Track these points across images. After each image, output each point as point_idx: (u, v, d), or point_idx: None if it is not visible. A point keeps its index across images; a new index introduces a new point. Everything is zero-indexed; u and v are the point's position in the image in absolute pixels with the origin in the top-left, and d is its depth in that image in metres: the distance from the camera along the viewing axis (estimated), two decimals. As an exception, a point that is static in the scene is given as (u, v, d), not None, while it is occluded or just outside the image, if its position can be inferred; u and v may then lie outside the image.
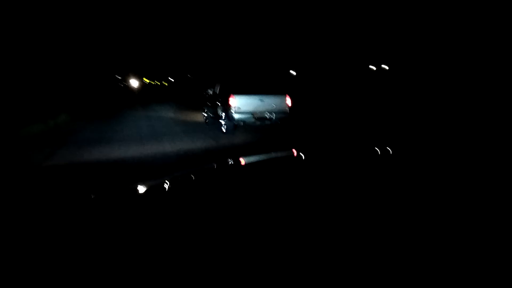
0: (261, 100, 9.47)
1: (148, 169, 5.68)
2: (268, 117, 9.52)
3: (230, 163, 1.75)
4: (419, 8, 21.45)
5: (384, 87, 21.80)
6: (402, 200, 1.09)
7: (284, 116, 9.78)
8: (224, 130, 9.67)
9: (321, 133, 9.98)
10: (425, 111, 13.14)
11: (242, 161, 1.77)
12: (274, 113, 9.57)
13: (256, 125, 9.80)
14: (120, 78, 48.95)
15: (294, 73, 33.82)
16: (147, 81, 68.73)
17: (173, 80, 74.75)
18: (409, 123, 11.11)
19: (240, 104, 9.26)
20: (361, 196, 1.13)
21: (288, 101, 9.83)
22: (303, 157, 1.87)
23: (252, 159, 1.80)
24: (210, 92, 11.24)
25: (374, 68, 27.76)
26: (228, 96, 9.31)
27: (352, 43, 27.81)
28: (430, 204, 1.04)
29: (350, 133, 9.75)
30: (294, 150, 1.97)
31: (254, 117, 9.40)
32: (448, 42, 19.49)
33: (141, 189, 1.38)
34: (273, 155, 1.88)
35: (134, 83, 46.64)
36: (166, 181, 1.42)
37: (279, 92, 9.91)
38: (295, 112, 10.12)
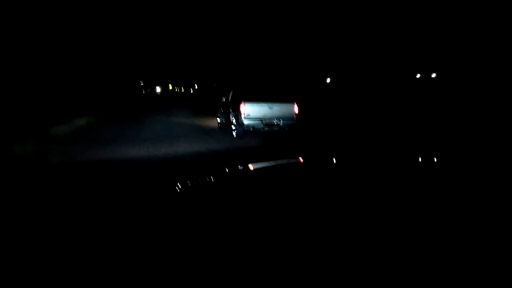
0: (270, 107, 10.17)
1: (164, 168, 6.42)
2: (276, 123, 10.22)
3: (239, 168, 1.80)
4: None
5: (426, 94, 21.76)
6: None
7: (291, 122, 10.44)
8: (234, 135, 10.41)
9: (358, 138, 10.52)
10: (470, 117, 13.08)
11: (251, 167, 1.81)
12: (282, 119, 10.25)
13: (264, 131, 10.50)
14: (143, 84, 50.86)
15: (329, 79, 34.35)
16: (171, 87, 71.01)
17: (196, 87, 76.69)
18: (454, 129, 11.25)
19: (250, 111, 10.00)
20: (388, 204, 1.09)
21: (296, 109, 10.49)
22: (335, 161, 1.90)
23: (260, 165, 1.84)
24: (224, 99, 12.05)
25: (419, 75, 27.75)
26: (239, 103, 10.07)
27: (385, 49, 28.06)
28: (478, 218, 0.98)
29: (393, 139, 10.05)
30: (300, 158, 2.01)
31: (263, 123, 10.11)
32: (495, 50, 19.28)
33: (154, 191, 1.43)
34: (280, 162, 1.89)
35: (157, 89, 48.50)
36: (178, 184, 1.45)
37: (288, 100, 10.59)
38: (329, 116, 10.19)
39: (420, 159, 1.84)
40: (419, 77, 27.58)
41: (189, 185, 1.50)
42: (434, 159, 1.82)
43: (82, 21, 21.62)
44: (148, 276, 0.73)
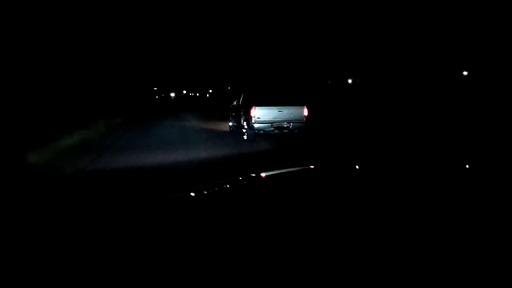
0: (280, 111, 10.29)
1: (178, 174, 6.49)
2: (286, 126, 10.31)
3: (252, 176, 1.78)
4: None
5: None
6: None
7: (301, 125, 10.52)
8: (245, 138, 10.55)
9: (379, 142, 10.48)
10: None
11: (263, 175, 1.79)
12: (292, 122, 10.34)
13: (274, 134, 10.61)
14: (156, 89, 51.64)
15: (350, 81, 34.27)
16: (185, 92, 71.99)
17: (211, 92, 77.52)
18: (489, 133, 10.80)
19: (260, 115, 10.13)
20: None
21: (306, 112, 10.56)
22: (357, 168, 1.84)
23: (272, 173, 1.82)
24: (235, 103, 12.21)
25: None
26: (250, 107, 10.21)
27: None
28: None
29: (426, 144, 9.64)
30: (311, 166, 1.97)
31: (272, 127, 10.23)
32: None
33: (167, 202, 1.40)
34: (292, 169, 1.86)
35: (171, 95, 49.24)
36: (191, 193, 1.44)
37: (298, 103, 10.68)
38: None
39: (446, 166, 1.72)
40: (443, 75, 26.99)
41: (203, 195, 1.48)
42: (465, 166, 1.67)
43: (98, 31, 22.22)
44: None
